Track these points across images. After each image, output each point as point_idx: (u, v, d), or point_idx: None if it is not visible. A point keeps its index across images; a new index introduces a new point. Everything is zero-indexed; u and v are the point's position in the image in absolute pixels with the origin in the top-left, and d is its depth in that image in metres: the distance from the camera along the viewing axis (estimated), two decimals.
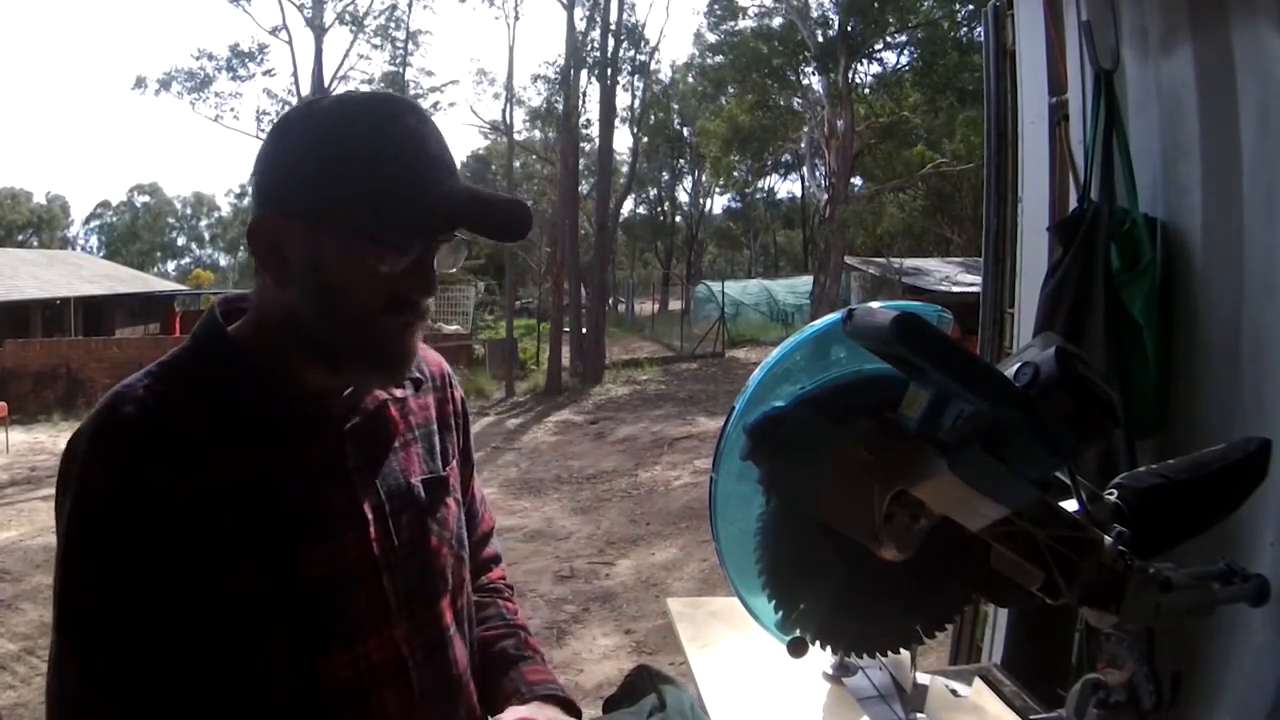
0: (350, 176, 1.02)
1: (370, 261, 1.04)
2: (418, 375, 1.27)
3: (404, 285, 1.06)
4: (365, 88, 27.61)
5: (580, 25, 21.74)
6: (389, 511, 1.16)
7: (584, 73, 22.50)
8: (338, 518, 1.12)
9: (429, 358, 1.34)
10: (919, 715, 1.58)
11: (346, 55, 28.92)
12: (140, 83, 28.54)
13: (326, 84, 25.58)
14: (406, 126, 1.05)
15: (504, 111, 23.74)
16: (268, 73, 27.74)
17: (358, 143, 1.03)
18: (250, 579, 1.04)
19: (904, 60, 26.77)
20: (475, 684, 1.28)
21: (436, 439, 1.29)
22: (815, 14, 25.60)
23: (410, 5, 27.95)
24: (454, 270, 1.16)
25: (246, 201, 50.10)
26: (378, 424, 1.19)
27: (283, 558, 1.07)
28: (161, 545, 1.01)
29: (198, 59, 28.26)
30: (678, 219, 46.74)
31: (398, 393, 1.23)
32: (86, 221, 63.22)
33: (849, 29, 24.44)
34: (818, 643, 1.36)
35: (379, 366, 1.12)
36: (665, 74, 37.70)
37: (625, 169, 30.57)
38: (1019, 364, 1.06)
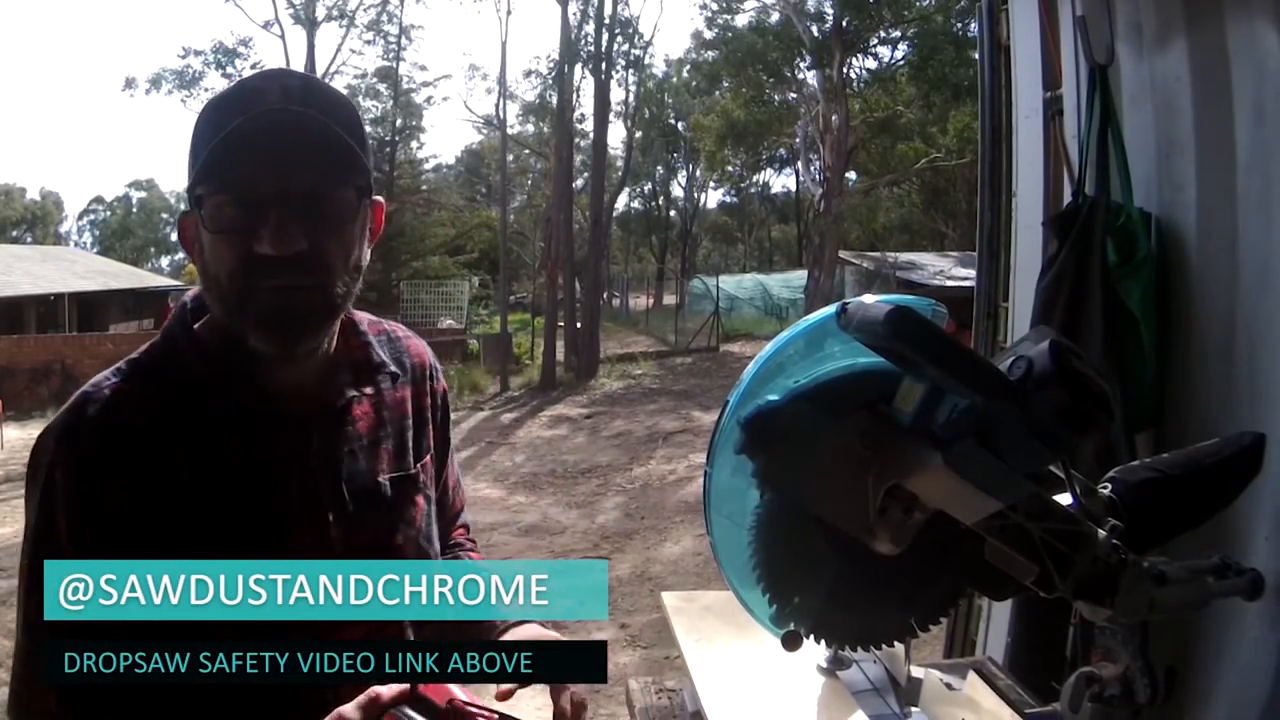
0: (193, 154, 1.06)
1: (207, 228, 1.05)
2: (394, 370, 1.25)
3: (252, 241, 1.04)
4: (358, 83, 27.54)
5: (574, 19, 21.72)
6: (352, 510, 1.16)
7: (578, 67, 22.50)
8: (296, 516, 1.12)
9: (412, 348, 1.33)
10: (913, 709, 1.58)
11: (339, 50, 28.80)
12: (130, 84, 28.49)
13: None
14: (246, 87, 1.07)
15: (497, 106, 23.74)
16: (253, 66, 27.58)
17: (203, 119, 1.07)
18: None
19: (899, 55, 26.79)
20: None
21: (410, 434, 1.27)
22: (811, 8, 25.61)
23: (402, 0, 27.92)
24: (321, 220, 1.08)
25: None
26: (346, 421, 1.18)
27: (239, 554, 1.06)
28: (118, 539, 1.04)
29: (184, 57, 28.18)
30: (672, 213, 46.71)
31: (368, 390, 1.22)
32: (80, 217, 63.12)
33: (844, 24, 24.42)
34: (812, 636, 1.36)
35: (265, 335, 1.08)
36: (660, 68, 37.72)
37: (620, 163, 30.55)
38: (1013, 358, 1.06)
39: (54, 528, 1.05)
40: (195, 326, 1.16)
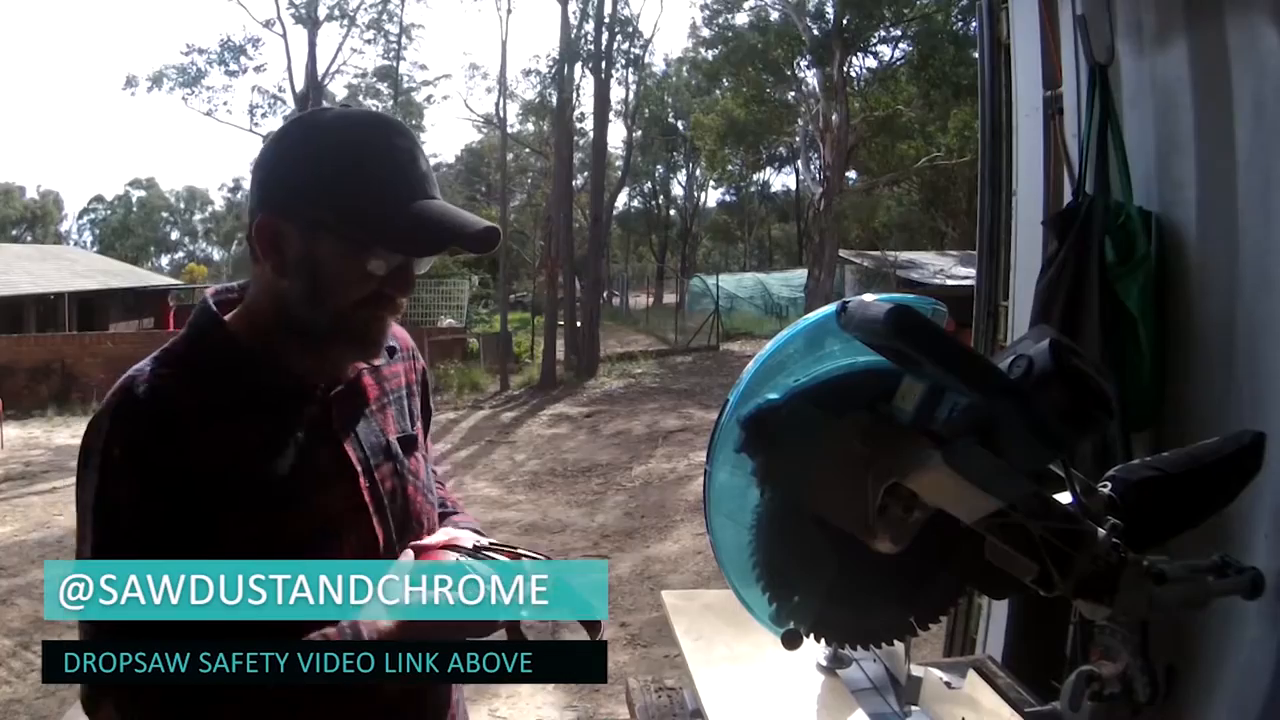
0: (351, 190, 1.19)
1: (361, 264, 1.20)
2: (391, 345, 1.41)
3: (387, 285, 1.23)
4: (359, 82, 27.53)
5: (574, 18, 21.70)
6: (372, 465, 1.31)
7: (578, 66, 22.48)
8: (327, 472, 1.26)
9: (397, 332, 1.47)
10: (913, 707, 1.58)
11: (339, 50, 28.74)
12: (131, 82, 28.45)
13: (320, 78, 25.54)
14: (398, 147, 1.21)
15: (497, 105, 23.74)
16: (259, 68, 27.65)
17: (357, 158, 1.19)
18: (249, 531, 1.17)
19: (899, 54, 26.80)
20: None
21: (406, 402, 1.44)
22: (811, 6, 25.60)
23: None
24: (423, 271, 1.30)
25: (240, 196, 50.35)
26: (357, 391, 1.34)
27: (278, 510, 1.20)
28: (170, 502, 1.14)
29: (187, 54, 28.17)
30: (672, 212, 46.66)
31: (374, 362, 1.37)
32: (80, 216, 62.85)
33: (844, 22, 24.42)
34: (812, 635, 1.36)
35: (357, 350, 1.29)
36: (660, 67, 37.67)
37: (620, 162, 30.52)
38: (1013, 357, 1.06)
39: (117, 502, 1.14)
40: (226, 319, 1.28)
